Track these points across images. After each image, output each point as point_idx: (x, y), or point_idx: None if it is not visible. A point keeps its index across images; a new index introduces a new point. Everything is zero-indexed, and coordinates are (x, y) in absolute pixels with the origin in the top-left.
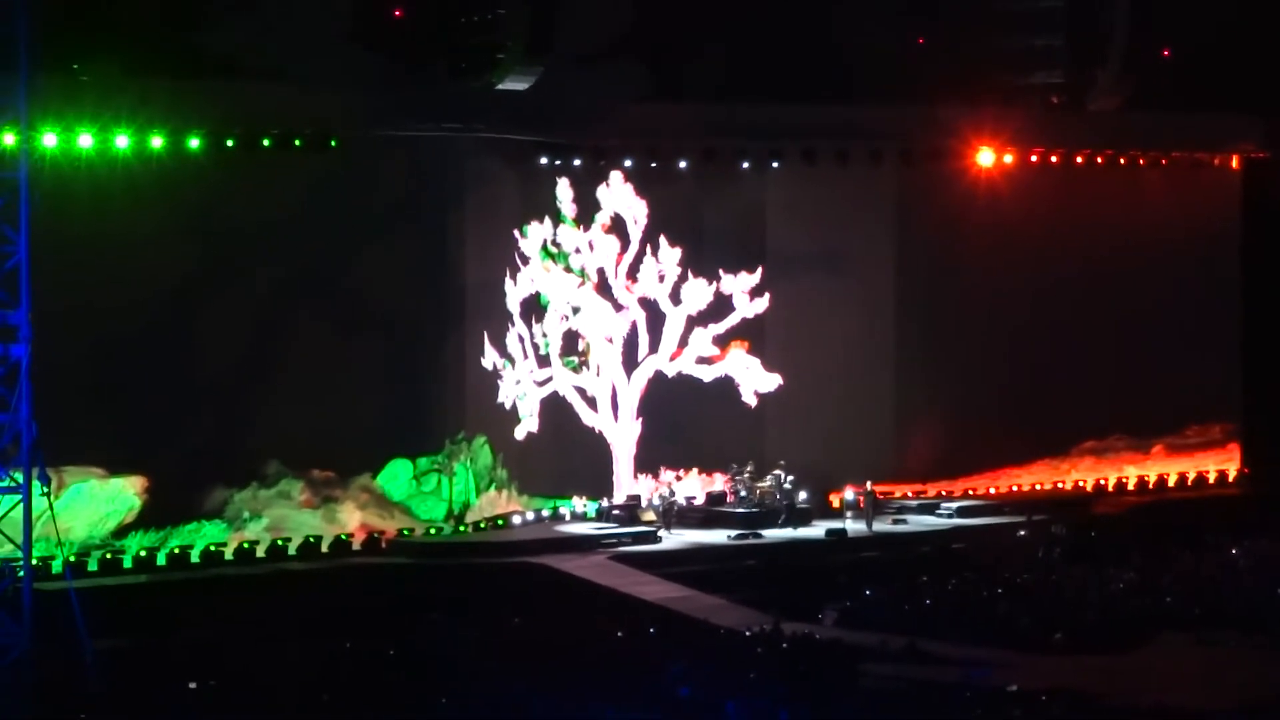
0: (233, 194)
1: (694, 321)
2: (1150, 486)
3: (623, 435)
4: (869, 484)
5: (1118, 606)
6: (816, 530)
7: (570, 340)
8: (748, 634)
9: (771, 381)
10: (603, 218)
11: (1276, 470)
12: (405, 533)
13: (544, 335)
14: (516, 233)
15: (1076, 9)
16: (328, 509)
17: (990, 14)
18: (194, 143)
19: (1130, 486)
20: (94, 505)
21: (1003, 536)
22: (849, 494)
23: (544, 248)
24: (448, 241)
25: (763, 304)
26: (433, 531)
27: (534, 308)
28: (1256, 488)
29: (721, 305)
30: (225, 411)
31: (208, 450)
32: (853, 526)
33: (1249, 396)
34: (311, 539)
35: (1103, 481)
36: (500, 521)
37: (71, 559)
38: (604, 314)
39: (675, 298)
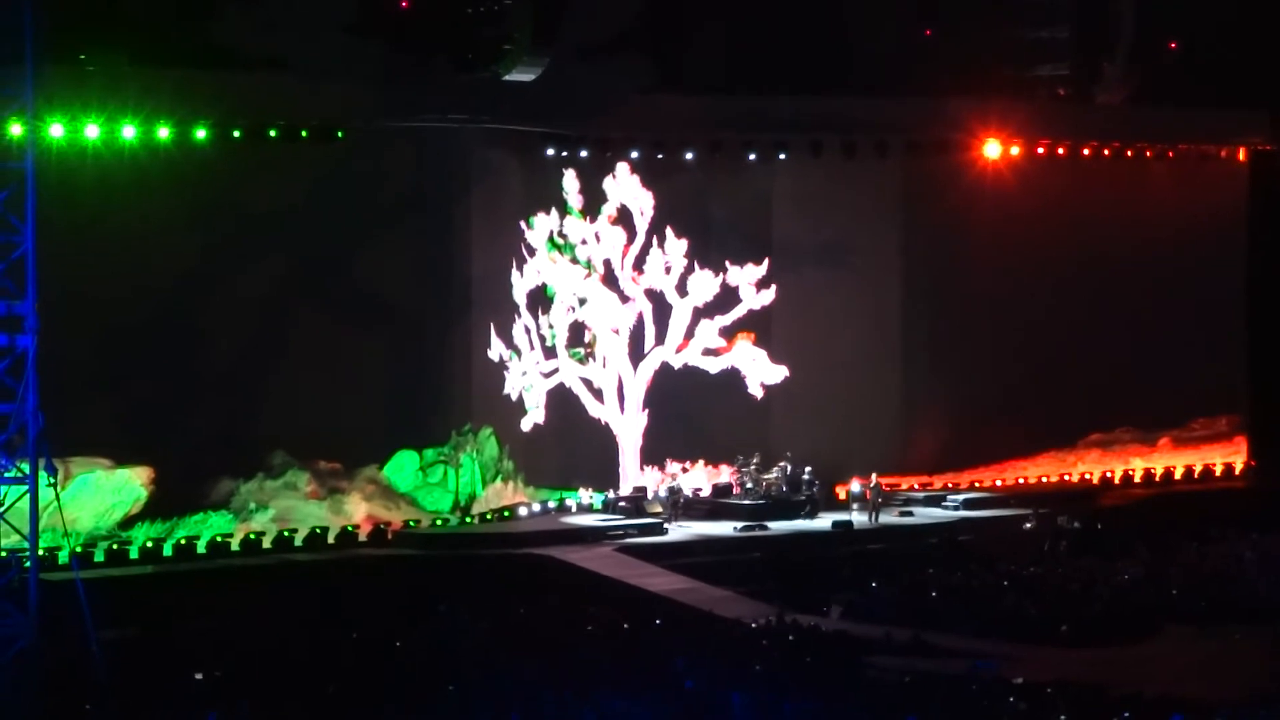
0: (239, 185)
1: (700, 313)
2: (1156, 479)
3: (629, 427)
4: (875, 476)
5: (1123, 599)
6: (823, 522)
7: (576, 332)
8: (753, 626)
9: (778, 373)
10: (609, 209)
11: None
12: (411, 524)
13: (550, 327)
14: (523, 224)
15: (1084, 1)
16: (334, 500)
17: (997, 6)
18: (200, 133)
19: (1136, 479)
20: (100, 496)
21: (1009, 529)
22: (855, 486)
23: (550, 239)
24: (454, 233)
25: (769, 296)
26: (439, 523)
27: (540, 299)
28: (1263, 481)
29: (728, 297)
30: (231, 402)
31: (214, 441)
32: (859, 519)
33: (1255, 389)
34: (318, 530)
35: (1109, 474)
36: (506, 513)
37: (78, 550)
38: (610, 305)
39: (681, 289)
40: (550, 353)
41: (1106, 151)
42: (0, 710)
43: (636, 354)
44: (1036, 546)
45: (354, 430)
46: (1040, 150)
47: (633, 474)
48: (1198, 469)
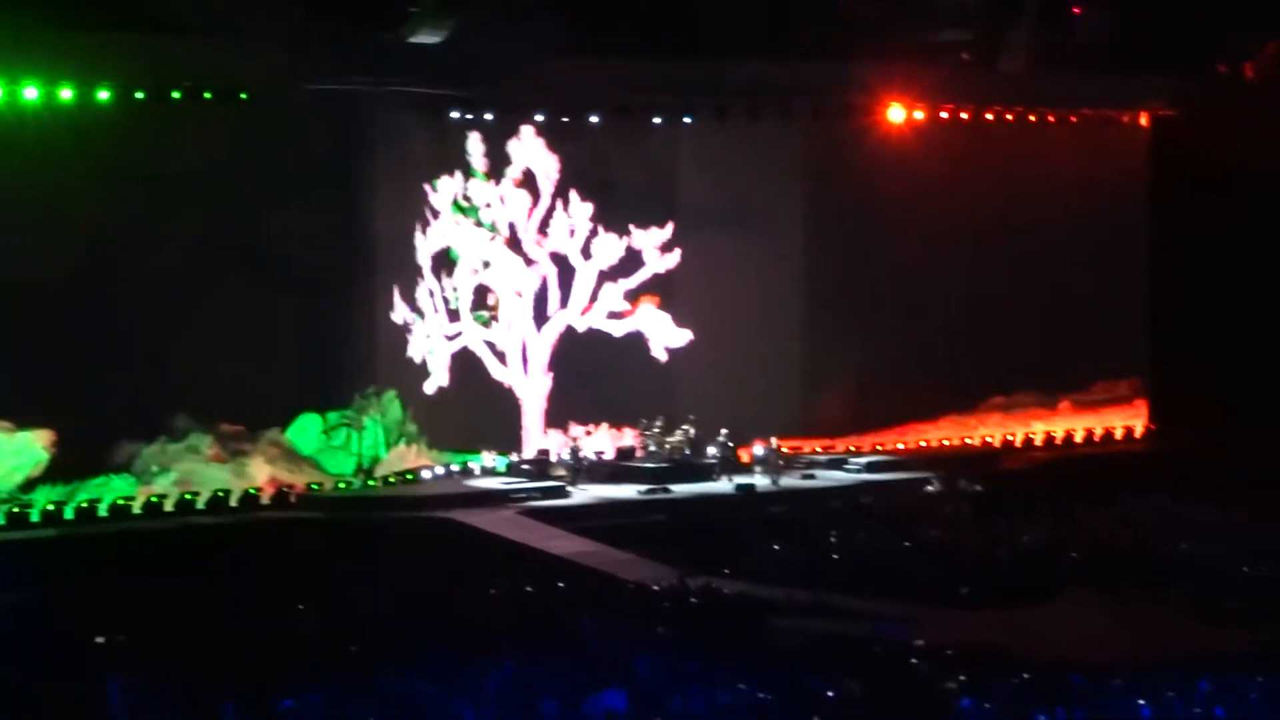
0: (142, 148)
1: (605, 276)
2: (1057, 443)
3: (532, 390)
4: (775, 440)
5: (1024, 562)
6: (725, 485)
7: (481, 295)
8: (656, 589)
9: (682, 337)
10: (514, 172)
11: (1183, 427)
12: (314, 487)
13: (454, 290)
14: (427, 187)
15: None
16: (236, 463)
17: None
18: (103, 95)
19: (1037, 442)
20: (1, 459)
21: (911, 492)
22: (758, 449)
23: (455, 202)
24: (358, 196)
25: (673, 259)
26: (342, 486)
27: (445, 262)
28: (1163, 445)
29: (632, 260)
30: (134, 365)
31: (116, 404)
32: (761, 482)
33: (1156, 354)
34: (220, 493)
35: (1010, 437)
36: (410, 476)
37: None
38: (514, 269)
39: (586, 253)
40: (454, 316)
41: (1009, 116)
42: None
43: (540, 317)
44: (938, 509)
45: (257, 393)
46: (944, 115)
47: (536, 437)
48: (1098, 432)
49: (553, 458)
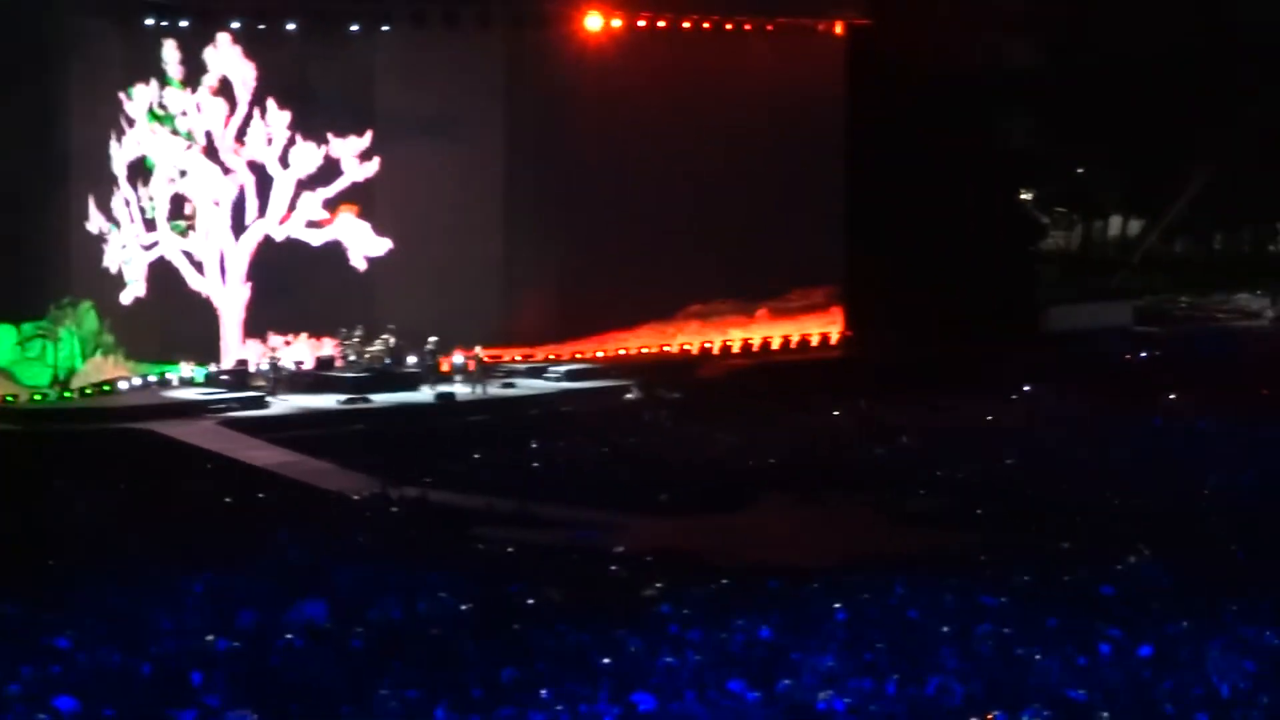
0: None
1: (303, 185)
2: (755, 350)
3: (231, 300)
4: (480, 349)
5: (723, 468)
6: (426, 395)
7: (177, 204)
8: (357, 499)
9: (381, 246)
10: (210, 80)
11: (877, 333)
12: (9, 399)
13: (150, 199)
14: (122, 95)
15: None
16: None
17: None
18: None
19: (735, 350)
20: None
21: (610, 400)
22: (458, 358)
23: (150, 110)
24: (51, 103)
25: (372, 168)
26: (37, 398)
27: (140, 171)
28: (857, 350)
29: (330, 169)
30: None
31: None
32: (462, 391)
33: (851, 261)
34: None
35: (708, 345)
36: (107, 387)
37: None
38: (211, 177)
39: (284, 161)
40: (150, 225)
41: (706, 25)
42: None
43: (238, 226)
44: (637, 417)
45: None
46: (641, 23)
47: (235, 348)
48: (795, 339)
49: (252, 368)
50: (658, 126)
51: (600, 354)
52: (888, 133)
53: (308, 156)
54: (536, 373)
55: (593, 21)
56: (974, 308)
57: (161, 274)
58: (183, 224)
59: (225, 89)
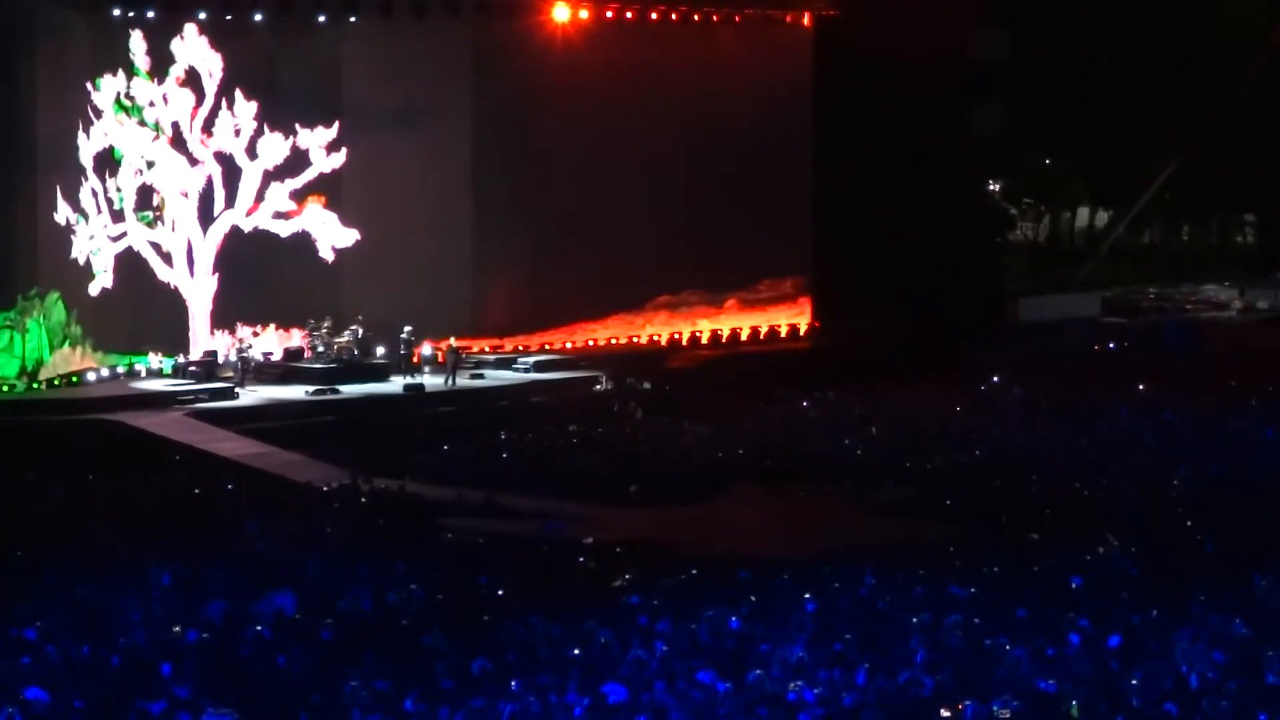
0: None
1: (270, 176)
2: (723, 340)
3: (199, 291)
4: (454, 340)
5: (692, 459)
6: (394, 386)
7: (145, 195)
8: (326, 490)
9: (349, 237)
10: (177, 71)
11: (844, 324)
12: None
13: (118, 190)
14: (89, 85)
15: None
16: None
17: None
18: None
19: (704, 341)
20: None
21: (579, 391)
22: (427, 349)
23: (118, 101)
24: (17, 93)
25: (340, 159)
26: (5, 389)
27: (108, 162)
28: (826, 341)
29: (298, 160)
30: None
31: None
32: (431, 381)
33: (819, 252)
34: None
35: (677, 336)
36: (75, 379)
37: None
38: (179, 168)
39: (251, 152)
40: (118, 216)
41: (674, 16)
42: None
43: (206, 217)
44: (606, 408)
45: None
46: (609, 14)
47: (203, 338)
48: (764, 330)
49: (220, 359)
50: (626, 118)
51: (569, 345)
52: (855, 124)
53: (275, 147)
54: (505, 364)
55: (560, 12)
56: (942, 299)
57: (129, 265)
58: (150, 215)
59: (192, 80)
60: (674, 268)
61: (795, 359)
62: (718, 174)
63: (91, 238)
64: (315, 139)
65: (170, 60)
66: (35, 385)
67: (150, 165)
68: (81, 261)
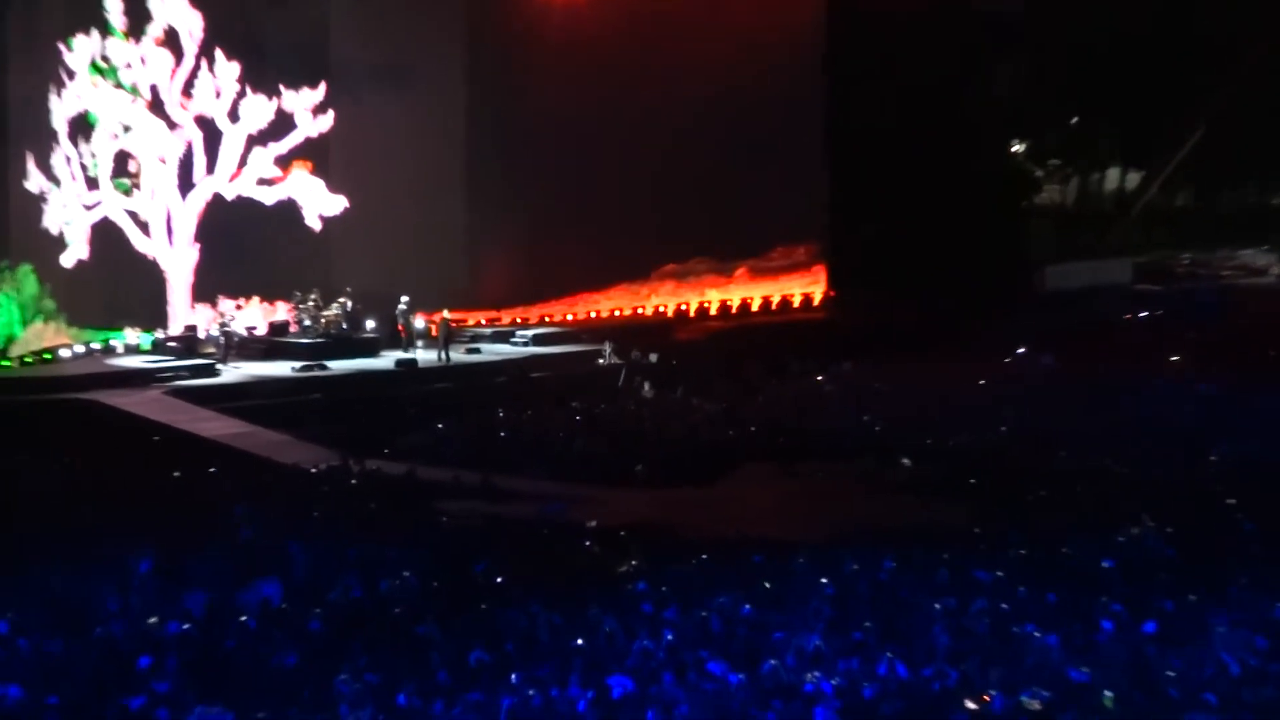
0: None
1: (254, 141)
2: (733, 311)
3: (178, 262)
4: (444, 312)
5: (700, 437)
6: (386, 361)
7: (121, 161)
8: (314, 472)
9: (337, 204)
10: (155, 30)
11: (861, 293)
12: None
13: (93, 156)
14: (61, 45)
15: None
16: None
17: None
18: None
19: (713, 312)
20: None
21: (581, 365)
22: (420, 322)
23: (92, 62)
24: None
25: (326, 122)
26: None
27: (82, 127)
28: (841, 311)
29: (283, 123)
30: None
31: None
32: (424, 357)
33: (834, 217)
34: None
35: (684, 306)
36: (48, 355)
37: None
38: (157, 133)
39: (233, 115)
40: (93, 184)
41: None
42: None
43: (186, 184)
44: (610, 383)
45: None
46: None
47: (183, 313)
48: (776, 300)
49: (201, 334)
50: (630, 75)
51: (570, 317)
52: (871, 82)
53: (258, 110)
54: (502, 337)
55: None
56: (964, 266)
57: (105, 235)
58: (127, 182)
59: (171, 39)
60: (681, 235)
61: (809, 330)
62: (727, 135)
63: (65, 207)
64: (301, 101)
65: (148, 18)
66: (6, 362)
67: (127, 130)
68: (55, 232)
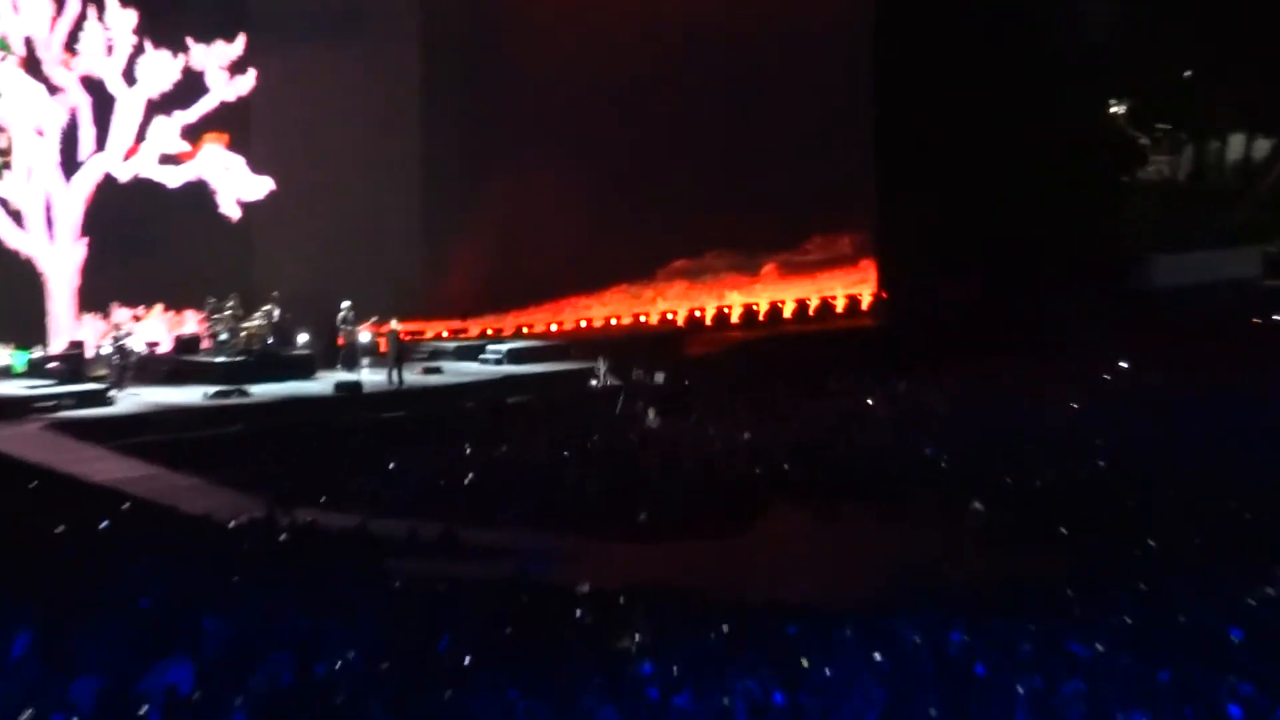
0: None
1: (155, 107)
2: (760, 318)
3: (61, 261)
4: (394, 323)
5: (718, 476)
6: (323, 384)
7: None
8: (232, 525)
9: (260, 187)
10: None
11: (921, 293)
12: None
13: None
14: None
15: None
16: None
17: None
18: None
19: (734, 319)
20: None
21: (569, 388)
22: (365, 335)
23: None
24: None
25: (247, 83)
26: None
27: None
28: (894, 316)
29: (192, 86)
30: None
31: None
32: (370, 378)
33: (887, 200)
34: None
35: (698, 313)
36: None
37: None
38: (33, 98)
39: (129, 76)
40: None
41: None
42: None
43: (70, 163)
44: (605, 409)
45: None
46: None
47: (67, 325)
48: (814, 304)
49: (90, 352)
50: (629, 27)
51: (555, 327)
52: (928, 33)
53: (161, 69)
54: (470, 353)
55: None
56: (1047, 260)
57: None
58: None
59: None
60: (694, 224)
61: (855, 341)
62: (751, 100)
63: None
64: (214, 57)
65: None
66: None
67: None
68: None
